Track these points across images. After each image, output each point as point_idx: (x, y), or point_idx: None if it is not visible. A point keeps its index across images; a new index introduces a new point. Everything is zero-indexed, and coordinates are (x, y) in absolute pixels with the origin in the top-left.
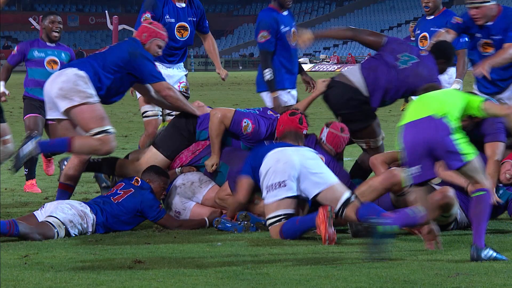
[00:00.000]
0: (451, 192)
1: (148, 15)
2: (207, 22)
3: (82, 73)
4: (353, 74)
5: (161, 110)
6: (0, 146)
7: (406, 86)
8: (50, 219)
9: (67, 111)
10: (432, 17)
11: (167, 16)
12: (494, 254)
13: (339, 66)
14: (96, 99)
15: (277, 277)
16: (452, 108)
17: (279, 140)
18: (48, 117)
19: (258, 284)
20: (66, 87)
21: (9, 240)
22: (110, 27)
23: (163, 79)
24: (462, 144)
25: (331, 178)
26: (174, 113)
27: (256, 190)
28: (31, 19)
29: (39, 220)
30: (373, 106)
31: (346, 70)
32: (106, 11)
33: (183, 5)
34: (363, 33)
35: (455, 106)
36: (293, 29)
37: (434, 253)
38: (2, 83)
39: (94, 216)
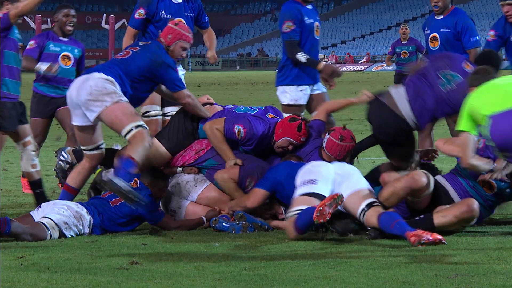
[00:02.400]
0: (476, 204)
1: (141, 11)
2: (206, 17)
3: (109, 77)
4: (400, 100)
5: (160, 109)
6: (23, 149)
7: (454, 107)
8: (44, 220)
9: (98, 116)
10: (441, 16)
11: (162, 12)
12: None
13: (337, 65)
14: (125, 98)
15: (275, 278)
16: None
17: (284, 159)
18: (73, 123)
19: (256, 285)
20: (95, 92)
21: (5, 241)
22: (105, 26)
23: (184, 87)
24: None
25: (361, 183)
26: (170, 113)
27: (268, 204)
28: (25, 17)
29: (36, 220)
30: (421, 127)
31: (393, 91)
32: (104, 14)
33: (180, 0)
34: (408, 70)
35: None
36: (316, 23)
37: (433, 254)
38: (40, 63)
39: (91, 218)
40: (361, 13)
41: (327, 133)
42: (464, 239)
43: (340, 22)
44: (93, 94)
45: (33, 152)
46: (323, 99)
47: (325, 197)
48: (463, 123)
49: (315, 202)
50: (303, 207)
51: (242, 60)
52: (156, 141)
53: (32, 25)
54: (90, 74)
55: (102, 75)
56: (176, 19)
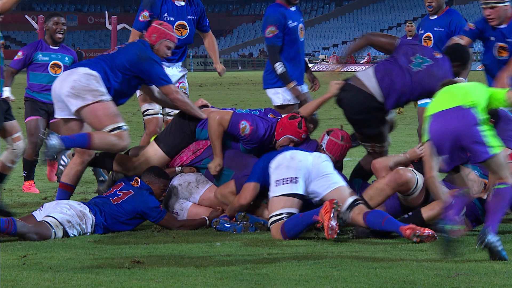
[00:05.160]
0: None
1: (146, 13)
2: (207, 20)
3: (93, 72)
4: (368, 79)
5: (161, 108)
6: (12, 144)
7: (421, 89)
8: (48, 219)
9: (79, 111)
10: (435, 16)
11: (166, 15)
12: (499, 247)
13: (338, 66)
14: (108, 97)
15: (276, 277)
16: (480, 99)
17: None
18: (56, 116)
19: (257, 284)
20: (78, 86)
21: (8, 240)
22: (109, 27)
23: (171, 82)
24: (489, 136)
25: (341, 181)
26: (173, 113)
27: (262, 195)
28: (27, 17)
29: (38, 220)
30: (388, 108)
31: (360, 73)
32: (105, 12)
33: (182, 3)
34: (376, 35)
35: (482, 97)
36: (300, 25)
37: (434, 254)
38: (7, 88)
39: (93, 217)
40: (362, 14)
41: (325, 134)
42: (465, 239)
43: (341, 22)
44: (75, 88)
45: (21, 149)
46: (307, 100)
47: (303, 197)
48: (425, 133)
49: (297, 203)
50: (288, 210)
51: (243, 61)
52: (154, 145)
53: (35, 25)
54: (75, 68)
55: (87, 70)
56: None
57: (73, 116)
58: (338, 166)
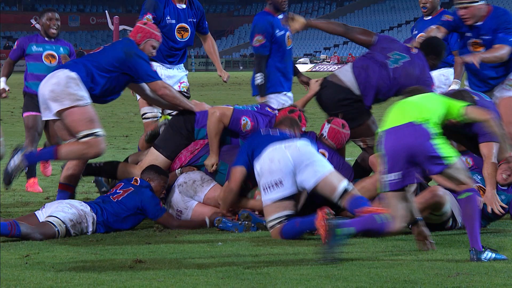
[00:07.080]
0: (440, 191)
1: (149, 16)
2: (206, 23)
3: (73, 74)
4: (345, 74)
5: (160, 111)
6: None
7: (398, 85)
8: (51, 219)
9: (58, 113)
10: (429, 17)
11: (168, 17)
12: (494, 255)
13: (339, 66)
14: (87, 101)
15: (278, 276)
16: (432, 113)
17: (276, 127)
18: (43, 118)
19: (258, 283)
20: (57, 89)
21: (10, 239)
22: (111, 27)
23: (158, 78)
24: (443, 148)
25: (326, 167)
26: (174, 112)
27: (251, 179)
28: (33, 21)
29: (40, 220)
30: (367, 104)
31: (338, 70)
32: (106, 12)
33: (184, 6)
34: (354, 31)
35: (435, 112)
36: (287, 33)
37: (434, 253)
38: (3, 79)
39: (94, 215)
40: (363, 14)
41: (326, 123)
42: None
43: (342, 22)
44: (54, 92)
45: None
46: None
47: (294, 194)
48: (379, 150)
49: (288, 204)
50: (283, 213)
51: (245, 61)
52: (154, 151)
53: (37, 26)
54: (57, 70)
55: (67, 72)
56: (144, 19)
57: (57, 117)
58: (339, 154)
